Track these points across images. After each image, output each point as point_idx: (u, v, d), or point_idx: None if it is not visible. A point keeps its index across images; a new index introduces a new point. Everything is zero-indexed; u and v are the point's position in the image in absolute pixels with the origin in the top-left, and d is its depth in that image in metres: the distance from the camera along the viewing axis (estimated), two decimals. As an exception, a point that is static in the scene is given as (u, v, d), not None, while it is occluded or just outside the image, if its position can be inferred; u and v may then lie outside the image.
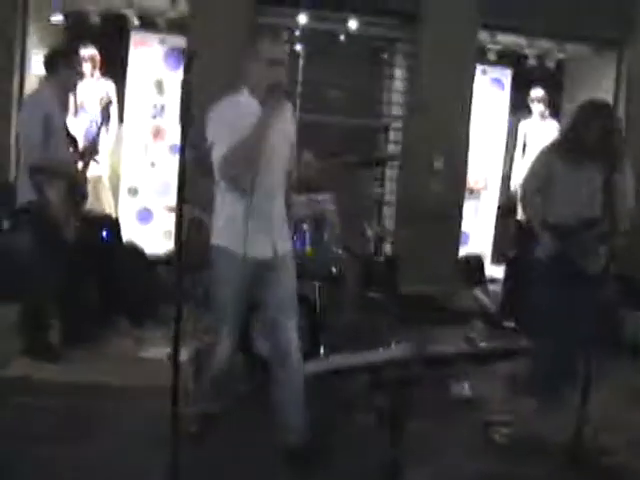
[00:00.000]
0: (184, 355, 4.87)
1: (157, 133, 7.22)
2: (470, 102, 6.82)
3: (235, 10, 6.42)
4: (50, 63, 4.71)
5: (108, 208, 6.83)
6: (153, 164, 7.27)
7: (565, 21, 6.63)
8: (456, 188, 6.80)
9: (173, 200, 7.11)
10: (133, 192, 7.26)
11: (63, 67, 4.67)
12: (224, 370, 3.62)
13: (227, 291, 3.49)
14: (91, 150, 4.99)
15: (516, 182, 7.62)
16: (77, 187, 4.80)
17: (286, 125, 3.52)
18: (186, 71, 2.61)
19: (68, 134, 4.84)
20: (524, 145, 7.65)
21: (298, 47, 6.97)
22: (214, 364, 3.61)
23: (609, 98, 7.03)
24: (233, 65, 6.18)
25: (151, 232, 7.28)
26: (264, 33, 3.96)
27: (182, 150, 2.65)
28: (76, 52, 5.12)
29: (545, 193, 4.28)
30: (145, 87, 7.17)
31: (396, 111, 7.27)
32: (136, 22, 6.91)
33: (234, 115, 3.34)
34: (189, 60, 2.59)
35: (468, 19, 6.58)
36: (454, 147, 6.76)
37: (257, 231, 3.36)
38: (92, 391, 4.35)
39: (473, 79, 6.83)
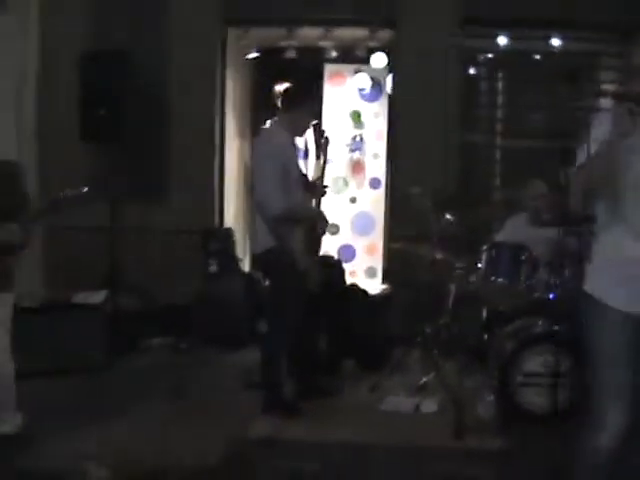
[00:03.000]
0: (431, 407, 4.60)
1: (356, 167, 6.98)
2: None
3: (437, 34, 6.16)
4: (287, 101, 4.49)
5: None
6: (354, 199, 7.03)
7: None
8: None
9: (375, 236, 6.91)
10: (334, 229, 7.03)
11: (298, 105, 4.45)
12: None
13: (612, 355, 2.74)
14: (322, 188, 4.74)
15: None
16: (316, 230, 4.56)
17: None
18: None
19: (303, 176, 4.62)
20: None
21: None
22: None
23: None
24: (438, 88, 6.12)
25: (353, 270, 7.02)
26: None
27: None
28: (312, 89, 4.85)
29: None
30: (342, 120, 6.96)
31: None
32: (333, 54, 6.70)
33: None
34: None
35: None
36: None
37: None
38: (338, 450, 4.01)
39: None
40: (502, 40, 6.53)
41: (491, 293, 4.64)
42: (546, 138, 6.89)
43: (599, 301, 2.68)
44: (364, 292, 5.68)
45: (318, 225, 4.55)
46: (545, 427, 4.20)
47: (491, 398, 4.18)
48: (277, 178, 4.23)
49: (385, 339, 5.50)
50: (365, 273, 7.06)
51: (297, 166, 4.52)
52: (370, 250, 7.04)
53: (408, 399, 4.72)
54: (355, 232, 7.05)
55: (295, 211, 4.37)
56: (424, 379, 4.86)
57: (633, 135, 2.55)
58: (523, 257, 4.50)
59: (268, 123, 4.50)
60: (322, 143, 4.80)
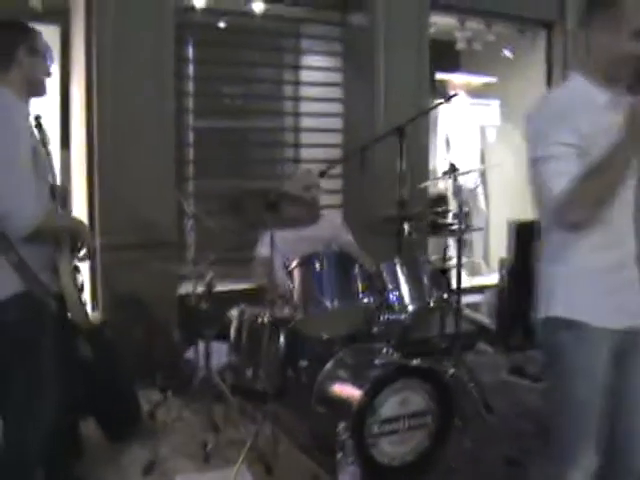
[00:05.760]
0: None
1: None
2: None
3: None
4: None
5: None
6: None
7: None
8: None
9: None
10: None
11: (26, 53, 2.82)
12: None
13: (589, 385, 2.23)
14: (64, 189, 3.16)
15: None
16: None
17: None
18: None
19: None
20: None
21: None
22: None
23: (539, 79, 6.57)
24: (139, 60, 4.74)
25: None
26: None
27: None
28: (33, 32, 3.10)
29: None
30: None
31: (306, 107, 6.09)
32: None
33: (568, 114, 2.14)
34: None
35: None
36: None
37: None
38: None
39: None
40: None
41: (309, 319, 3.57)
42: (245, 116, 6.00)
43: (577, 321, 2.19)
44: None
45: (85, 244, 2.96)
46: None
47: (352, 464, 3.09)
48: (28, 171, 2.63)
49: (131, 391, 4.06)
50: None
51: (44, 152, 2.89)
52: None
53: (207, 476, 3.45)
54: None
55: (55, 223, 2.81)
56: (210, 443, 3.65)
57: None
58: (353, 270, 3.52)
59: None
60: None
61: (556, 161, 2.10)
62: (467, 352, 5.09)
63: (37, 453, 2.80)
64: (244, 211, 3.62)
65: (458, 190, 3.81)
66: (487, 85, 6.86)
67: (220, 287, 4.22)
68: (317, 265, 3.49)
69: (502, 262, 5.73)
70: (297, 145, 6.13)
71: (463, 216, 3.81)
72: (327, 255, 3.55)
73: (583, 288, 2.21)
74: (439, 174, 6.69)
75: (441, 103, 4.33)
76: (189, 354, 4.58)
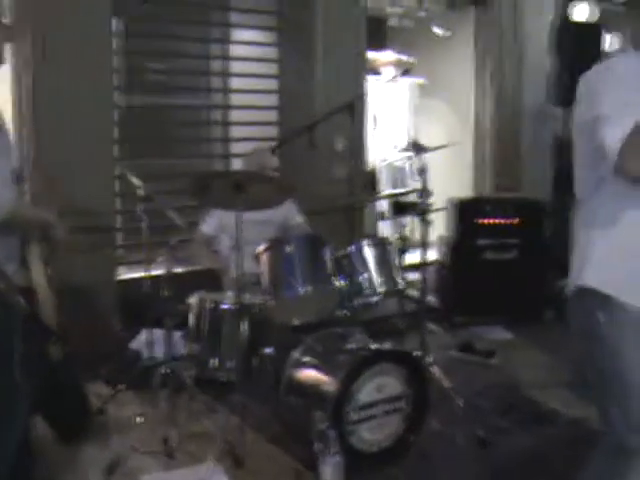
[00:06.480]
0: None
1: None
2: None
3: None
4: None
5: None
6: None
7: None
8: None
9: None
10: None
11: None
12: None
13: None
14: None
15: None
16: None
17: None
18: None
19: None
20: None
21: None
22: None
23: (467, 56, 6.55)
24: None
25: None
26: None
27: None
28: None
29: None
30: None
31: (239, 84, 5.86)
32: None
33: (619, 79, 2.02)
34: None
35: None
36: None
37: None
38: None
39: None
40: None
41: (280, 305, 3.44)
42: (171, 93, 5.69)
43: (612, 298, 1.99)
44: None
45: (53, 237, 2.73)
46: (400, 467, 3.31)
47: (334, 454, 2.97)
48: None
49: (79, 386, 3.80)
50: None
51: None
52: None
53: (175, 473, 3.28)
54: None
55: (27, 212, 2.58)
56: (171, 438, 3.46)
57: None
58: (324, 253, 3.40)
59: None
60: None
61: (614, 118, 1.93)
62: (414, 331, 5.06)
63: (7, 463, 2.56)
64: (208, 192, 3.40)
65: (423, 169, 3.72)
66: (414, 63, 6.80)
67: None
68: (287, 248, 3.35)
69: (442, 239, 5.71)
70: (227, 123, 5.90)
71: (427, 194, 3.73)
72: (297, 238, 3.42)
73: (623, 260, 2.02)
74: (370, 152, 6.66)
75: (393, 78, 4.24)
76: (134, 344, 4.38)
